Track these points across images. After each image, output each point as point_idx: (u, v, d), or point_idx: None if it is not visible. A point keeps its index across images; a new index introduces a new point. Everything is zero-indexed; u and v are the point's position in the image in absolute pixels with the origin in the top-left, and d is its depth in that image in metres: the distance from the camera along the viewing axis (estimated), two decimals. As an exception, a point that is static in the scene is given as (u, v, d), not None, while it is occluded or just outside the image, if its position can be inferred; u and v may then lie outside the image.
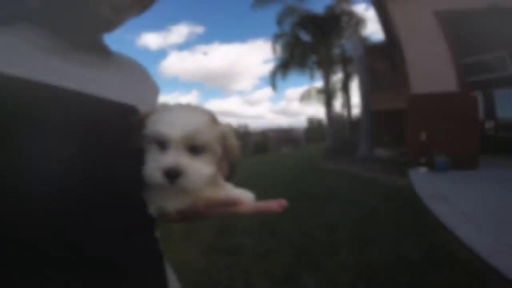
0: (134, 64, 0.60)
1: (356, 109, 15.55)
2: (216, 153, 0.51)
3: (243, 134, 29.11)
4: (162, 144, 0.47)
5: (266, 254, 2.92)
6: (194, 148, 0.48)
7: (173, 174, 0.46)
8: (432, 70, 7.22)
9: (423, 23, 7.45)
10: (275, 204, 0.49)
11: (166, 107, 0.50)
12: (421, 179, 5.95)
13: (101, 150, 0.44)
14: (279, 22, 12.07)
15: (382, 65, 11.27)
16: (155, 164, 0.46)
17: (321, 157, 11.05)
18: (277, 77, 13.38)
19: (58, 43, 0.43)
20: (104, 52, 0.52)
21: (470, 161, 6.63)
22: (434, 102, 6.99)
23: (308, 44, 12.02)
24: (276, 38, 12.47)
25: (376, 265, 2.56)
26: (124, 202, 0.47)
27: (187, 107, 0.51)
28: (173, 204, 0.52)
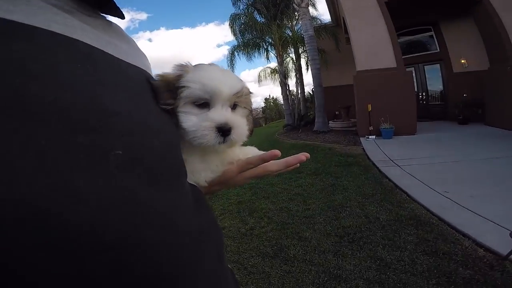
0: (129, 37, 0.52)
1: (308, 87, 16.04)
2: (248, 106, 0.51)
3: None
4: (203, 104, 0.44)
5: (251, 233, 2.94)
6: (234, 105, 0.48)
7: (226, 130, 0.44)
8: (373, 48, 7.69)
9: (365, 5, 7.81)
10: (302, 156, 0.50)
11: (197, 67, 0.46)
12: (371, 146, 6.44)
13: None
14: (234, 2, 11.60)
15: (330, 45, 11.66)
16: (207, 123, 0.43)
17: (282, 133, 11.30)
18: (232, 58, 13.04)
19: (76, 5, 0.35)
20: (105, 19, 0.43)
21: (410, 127, 7.36)
22: (376, 78, 7.51)
23: (262, 25, 11.79)
24: (233, 18, 11.99)
25: (351, 228, 2.74)
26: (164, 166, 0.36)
27: (217, 66, 0.48)
28: (205, 175, 0.49)
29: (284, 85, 13.04)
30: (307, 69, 14.02)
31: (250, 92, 0.53)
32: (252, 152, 0.54)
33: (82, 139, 0.24)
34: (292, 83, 15.60)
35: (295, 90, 15.53)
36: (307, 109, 14.08)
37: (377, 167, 4.75)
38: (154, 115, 0.37)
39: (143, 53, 0.52)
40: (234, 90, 0.46)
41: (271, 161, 0.50)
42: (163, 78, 0.44)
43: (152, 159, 0.31)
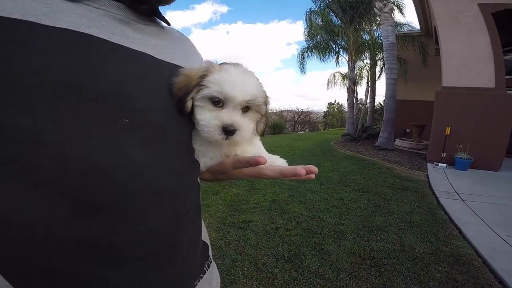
0: (183, 36, 0.66)
1: (379, 97, 14.93)
2: (260, 113, 0.57)
3: None
4: (218, 102, 0.51)
5: (274, 232, 3.00)
6: (246, 107, 0.54)
7: (231, 131, 0.51)
8: (468, 63, 6.70)
9: (466, 14, 6.83)
10: (302, 171, 0.51)
11: (221, 68, 0.53)
12: (438, 175, 5.75)
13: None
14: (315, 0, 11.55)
15: (412, 55, 10.62)
16: (215, 121, 0.51)
17: (339, 142, 10.85)
18: (303, 59, 12.98)
19: (128, 14, 0.50)
20: (160, 25, 0.59)
21: (494, 162, 6.27)
22: (465, 97, 6.55)
23: (337, 27, 11.42)
24: (310, 15, 11.93)
25: (379, 253, 2.58)
26: (179, 145, 0.51)
27: (243, 70, 0.54)
28: (204, 160, 0.58)
29: (351, 91, 12.42)
30: (380, 78, 13.08)
31: (267, 97, 0.57)
32: (256, 151, 0.60)
33: (103, 110, 0.39)
34: (361, 91, 14.74)
35: (364, 99, 14.64)
36: (374, 121, 13.16)
37: (436, 197, 4.26)
38: (168, 101, 0.49)
39: (193, 52, 0.66)
40: (247, 97, 0.52)
41: (266, 166, 0.54)
42: (187, 74, 0.52)
43: (152, 130, 0.45)
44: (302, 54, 12.92)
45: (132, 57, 0.45)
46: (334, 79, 15.14)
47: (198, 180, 0.59)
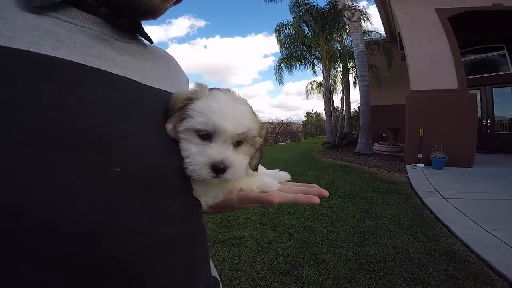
0: (168, 55, 0.61)
1: (355, 104, 15.63)
2: (255, 145, 0.51)
3: None
4: (206, 134, 0.45)
5: (268, 246, 2.98)
6: (238, 141, 0.48)
7: (221, 169, 0.44)
8: (432, 67, 7.26)
9: (425, 20, 7.46)
10: (317, 199, 0.49)
11: (208, 92, 0.46)
12: (417, 175, 6.04)
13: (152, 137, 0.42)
14: (291, 9, 12.08)
15: (382, 62, 11.32)
16: (202, 158, 0.44)
17: (320, 150, 11.11)
18: (280, 70, 13.36)
19: (105, 30, 0.43)
20: (142, 42, 0.53)
21: (466, 159, 6.73)
22: (433, 99, 7.04)
23: (309, 38, 11.94)
24: (280, 28, 12.37)
25: (375, 257, 2.63)
26: (174, 186, 0.45)
27: (232, 95, 0.48)
28: (205, 199, 0.52)
29: (328, 100, 12.89)
30: (355, 85, 13.72)
31: (262, 128, 0.52)
32: (259, 181, 0.55)
33: (88, 158, 0.32)
34: (337, 99, 15.36)
35: (340, 107, 15.24)
36: (351, 128, 13.68)
37: (420, 197, 4.46)
38: (159, 138, 0.42)
39: (179, 70, 0.61)
40: (240, 130, 0.46)
41: (278, 192, 0.52)
42: (173, 98, 0.46)
43: (149, 177, 0.38)
44: (279, 65, 13.34)
45: (113, 84, 0.39)
46: (312, 88, 15.66)
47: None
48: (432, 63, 7.27)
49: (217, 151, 0.44)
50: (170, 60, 0.59)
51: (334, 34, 12.59)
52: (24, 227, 0.28)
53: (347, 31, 11.40)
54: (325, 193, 0.53)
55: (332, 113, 13.51)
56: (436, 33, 7.33)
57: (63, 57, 0.34)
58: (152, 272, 0.36)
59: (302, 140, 27.06)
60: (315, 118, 34.19)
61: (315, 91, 15.59)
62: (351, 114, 14.29)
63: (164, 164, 0.42)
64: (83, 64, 0.36)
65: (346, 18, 9.58)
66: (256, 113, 0.51)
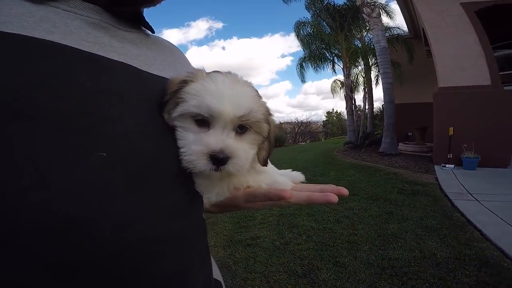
0: (173, 46, 0.59)
1: (377, 102, 15.14)
2: (262, 132, 0.44)
3: None
4: (203, 120, 0.40)
5: (284, 248, 2.91)
6: (241, 127, 0.42)
7: (221, 160, 0.39)
8: (460, 62, 6.86)
9: (450, 14, 7.09)
10: (335, 197, 0.44)
11: (206, 75, 0.42)
12: (447, 176, 5.71)
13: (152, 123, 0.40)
14: (308, 7, 11.96)
15: (405, 58, 10.87)
16: (199, 147, 0.39)
17: (341, 151, 10.85)
18: (302, 69, 13.26)
19: (105, 18, 0.42)
20: (145, 32, 0.51)
21: (501, 159, 6.27)
22: (463, 96, 6.65)
23: (328, 35, 11.74)
24: (298, 26, 12.26)
25: (399, 261, 2.49)
26: (176, 175, 0.41)
27: (233, 77, 0.43)
28: (208, 196, 0.47)
29: (349, 99, 12.57)
30: (377, 83, 13.30)
31: (269, 113, 0.46)
32: (269, 179, 0.49)
33: (70, 139, 0.30)
34: (359, 97, 14.94)
35: (362, 105, 14.82)
36: (374, 127, 13.25)
37: (450, 199, 4.20)
38: (155, 123, 0.39)
39: (184, 62, 0.58)
40: (239, 112, 0.40)
41: (291, 190, 0.46)
42: (169, 83, 0.42)
43: (139, 164, 0.35)
44: (301, 64, 13.21)
45: (108, 68, 0.37)
46: (337, 87, 15.40)
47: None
48: (461, 59, 6.88)
49: (215, 138, 0.39)
50: (175, 51, 0.57)
51: (354, 31, 12.28)
52: None
53: (367, 27, 11.09)
54: (344, 191, 0.47)
55: (354, 112, 13.15)
56: (463, 28, 6.93)
57: (56, 41, 0.33)
58: (137, 271, 0.33)
59: (322, 140, 26.62)
60: (336, 117, 33.50)
61: (335, 89, 15.32)
62: (374, 113, 13.85)
63: (159, 151, 0.38)
64: (77, 48, 0.35)
65: (366, 15, 9.32)
66: (261, 97, 0.45)
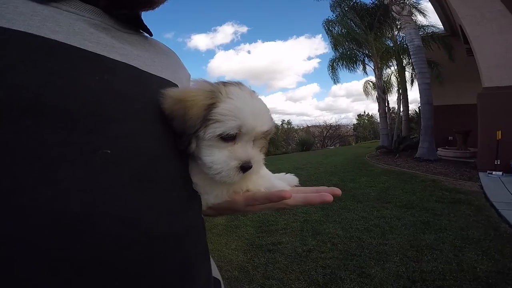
0: (169, 49, 0.61)
1: (413, 104, 14.36)
2: (267, 138, 0.51)
3: (286, 130, 28.73)
4: (230, 136, 0.44)
5: (306, 255, 2.82)
6: (256, 137, 0.48)
7: (248, 168, 0.45)
8: (507, 61, 6.27)
9: (490, 10, 6.54)
10: (330, 196, 0.46)
11: (228, 92, 0.44)
12: (494, 184, 5.20)
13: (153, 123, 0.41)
14: (332, 6, 11.77)
15: (442, 58, 10.18)
16: (234, 161, 0.44)
17: (373, 155, 10.37)
18: (333, 70, 13.02)
19: (105, 20, 0.44)
20: (143, 35, 0.53)
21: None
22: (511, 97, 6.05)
23: (358, 35, 11.41)
24: (327, 23, 12.04)
25: (432, 274, 2.29)
26: (176, 174, 0.43)
27: (250, 93, 0.46)
28: (207, 198, 0.50)
29: (382, 101, 12.02)
30: (413, 84, 12.62)
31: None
32: (268, 183, 0.52)
33: (77, 137, 0.31)
34: (393, 99, 14.23)
35: (397, 108, 14.11)
36: (410, 130, 12.51)
37: (496, 209, 3.82)
38: (157, 123, 0.41)
39: (181, 66, 0.61)
40: (265, 128, 0.46)
41: (289, 197, 0.47)
42: (180, 99, 0.42)
43: (142, 163, 0.36)
44: (332, 65, 13.00)
45: (111, 68, 0.38)
46: (370, 88, 14.91)
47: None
48: (507, 57, 6.28)
49: (244, 152, 0.44)
50: (172, 54, 0.60)
51: (384, 30, 11.80)
52: None
53: (398, 26, 10.60)
54: (338, 191, 0.49)
55: (388, 115, 12.55)
56: (507, 23, 6.34)
57: (61, 41, 0.34)
58: (139, 270, 0.34)
59: (353, 144, 25.61)
60: (368, 120, 32.25)
61: (366, 91, 14.79)
62: (410, 116, 13.11)
63: (162, 151, 0.40)
64: (81, 48, 0.36)
65: (395, 13, 8.93)
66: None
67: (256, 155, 0.46)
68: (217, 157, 0.43)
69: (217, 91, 0.43)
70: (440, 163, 7.70)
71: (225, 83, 0.46)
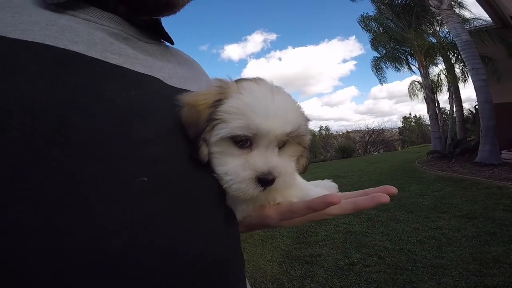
0: (191, 58, 0.59)
1: (466, 103, 13.13)
2: (303, 143, 0.42)
3: (324, 136, 27.88)
4: (244, 140, 0.37)
5: (349, 269, 2.65)
6: (282, 141, 0.40)
7: (269, 181, 0.37)
8: None
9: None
10: (386, 197, 0.38)
11: (240, 87, 0.38)
12: None
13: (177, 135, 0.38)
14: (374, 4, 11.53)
15: (496, 51, 9.17)
16: (247, 172, 0.37)
17: (425, 161, 9.59)
18: (378, 70, 12.70)
19: (125, 29, 0.41)
20: (164, 44, 0.51)
21: None
22: None
23: (397, 33, 10.91)
24: (363, 20, 11.74)
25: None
26: (207, 194, 0.39)
27: (270, 87, 0.39)
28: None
29: (431, 101, 11.17)
30: (464, 81, 11.55)
31: (308, 122, 0.44)
32: (301, 192, 0.45)
33: (108, 166, 0.28)
34: (443, 98, 13.17)
35: (448, 108, 13.00)
36: (466, 132, 11.35)
37: None
38: (186, 142, 0.37)
39: (203, 74, 0.59)
40: (288, 128, 0.38)
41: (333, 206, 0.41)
42: (192, 104, 0.37)
43: (180, 187, 0.34)
44: (376, 63, 12.69)
45: (138, 82, 0.35)
46: (414, 89, 14.15)
47: None
48: None
49: (261, 159, 0.37)
50: (194, 63, 0.58)
51: (424, 26, 11.11)
52: (32, 248, 0.24)
53: (439, 21, 9.89)
54: (393, 189, 0.40)
55: (439, 116, 11.59)
56: None
57: (82, 52, 0.32)
58: None
59: (399, 149, 24.01)
60: (415, 123, 30.03)
61: (419, 92, 13.92)
62: (465, 116, 11.95)
63: (197, 173, 0.36)
64: (103, 61, 0.33)
65: (434, 7, 8.36)
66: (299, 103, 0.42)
67: (283, 165, 0.38)
68: (228, 166, 0.37)
69: (226, 86, 0.38)
70: (506, 168, 6.85)
71: (240, 79, 0.41)
